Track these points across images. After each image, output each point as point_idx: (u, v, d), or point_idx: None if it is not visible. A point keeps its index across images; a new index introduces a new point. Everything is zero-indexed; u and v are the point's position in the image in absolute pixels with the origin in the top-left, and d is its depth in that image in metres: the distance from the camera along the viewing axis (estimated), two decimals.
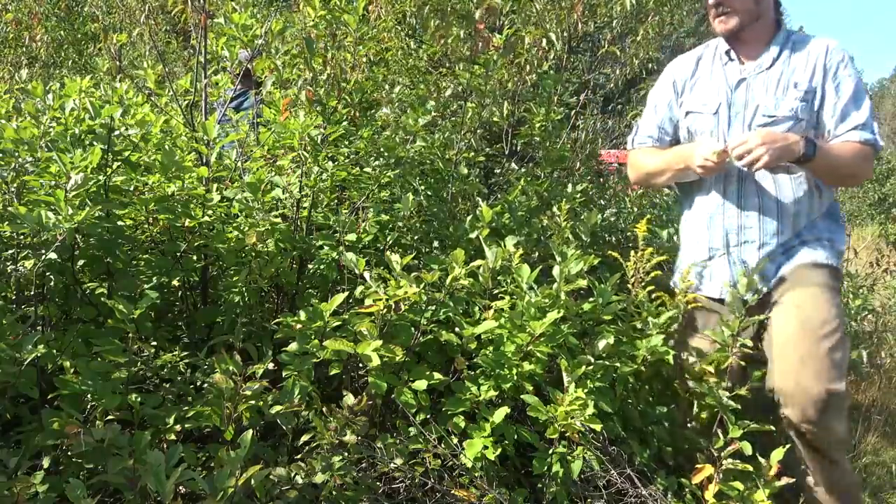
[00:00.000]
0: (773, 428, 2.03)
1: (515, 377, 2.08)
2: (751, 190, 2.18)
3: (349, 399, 1.89)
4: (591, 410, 1.96)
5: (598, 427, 1.94)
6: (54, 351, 1.91)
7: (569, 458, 2.01)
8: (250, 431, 1.68)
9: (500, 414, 2.01)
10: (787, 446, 2.02)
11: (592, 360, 2.15)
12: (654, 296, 2.35)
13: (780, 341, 2.04)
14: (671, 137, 2.37)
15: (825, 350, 1.95)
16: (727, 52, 2.25)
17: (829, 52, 2.12)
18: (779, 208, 2.16)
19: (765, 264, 2.17)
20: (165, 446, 1.79)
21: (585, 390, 2.02)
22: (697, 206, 2.32)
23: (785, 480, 1.95)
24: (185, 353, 2.03)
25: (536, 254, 2.88)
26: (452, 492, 1.90)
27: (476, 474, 1.94)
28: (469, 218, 2.67)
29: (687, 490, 2.08)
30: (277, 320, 2.10)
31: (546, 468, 2.02)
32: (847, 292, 3.82)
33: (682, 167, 2.21)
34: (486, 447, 1.95)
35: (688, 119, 2.30)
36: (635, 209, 3.76)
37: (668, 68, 2.40)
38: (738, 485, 1.94)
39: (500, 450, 1.98)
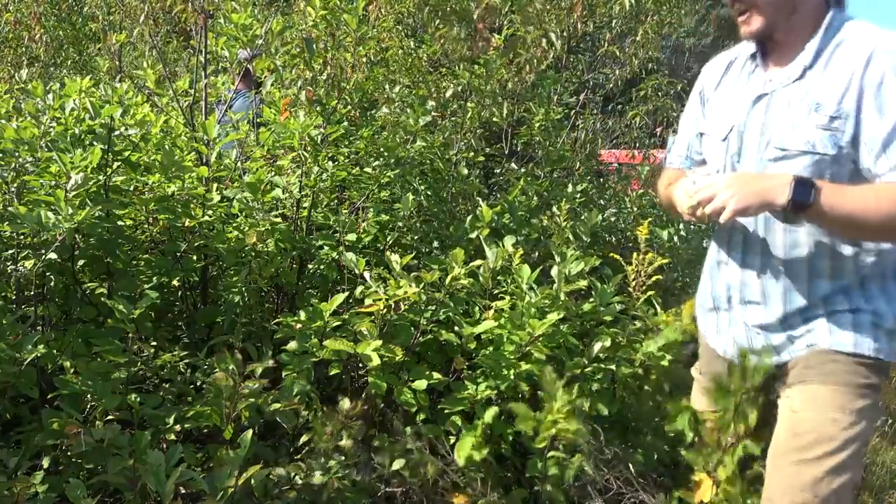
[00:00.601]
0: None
1: (513, 377, 2.08)
2: (754, 240, 1.61)
3: (345, 404, 1.89)
4: (575, 426, 1.92)
5: (581, 439, 1.93)
6: (54, 351, 1.91)
7: (563, 462, 2.01)
8: (250, 431, 1.68)
9: (490, 414, 2.01)
10: None
11: (587, 362, 2.15)
12: (658, 315, 2.31)
13: (770, 450, 1.60)
14: (703, 157, 1.80)
15: (809, 480, 1.46)
16: (753, 56, 1.65)
17: (874, 57, 1.41)
18: (787, 267, 1.56)
19: (774, 343, 1.63)
20: (165, 446, 1.79)
21: (573, 396, 1.99)
22: (712, 245, 1.82)
23: None
24: (185, 353, 2.03)
25: (537, 254, 2.89)
26: (450, 492, 1.90)
27: (472, 475, 1.94)
28: (469, 218, 2.67)
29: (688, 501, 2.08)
30: (277, 320, 2.11)
31: (542, 470, 2.02)
32: None
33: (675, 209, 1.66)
34: (474, 447, 1.95)
35: (703, 143, 1.76)
36: (635, 209, 3.76)
37: (703, 71, 1.84)
38: (739, 487, 1.94)
39: (488, 449, 1.97)
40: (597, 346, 2.15)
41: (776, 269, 1.57)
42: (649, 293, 2.35)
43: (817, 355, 1.53)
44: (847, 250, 1.52)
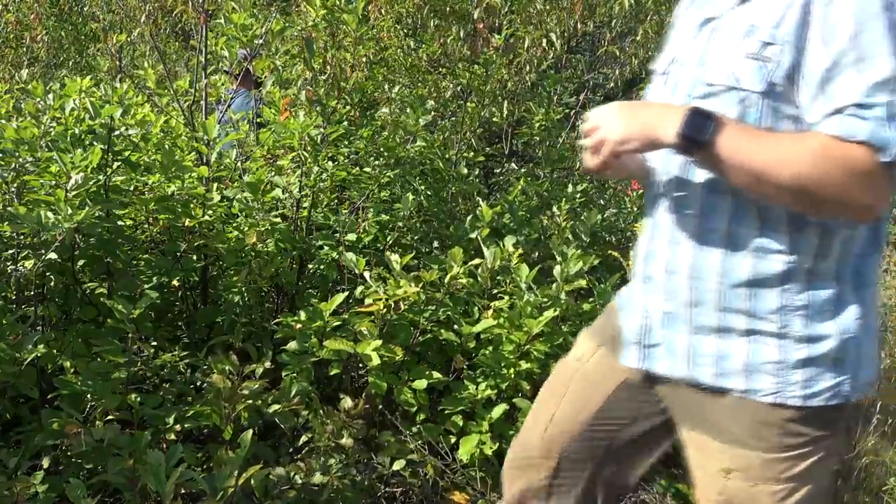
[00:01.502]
0: None
1: (514, 376, 2.08)
2: (667, 197, 1.18)
3: (346, 402, 1.89)
4: None
5: None
6: (54, 351, 1.91)
7: None
8: (249, 431, 1.68)
9: (499, 411, 2.01)
10: None
11: None
12: None
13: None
14: None
15: None
16: None
17: None
18: (699, 243, 1.13)
19: (674, 344, 1.18)
20: (165, 446, 1.79)
21: None
22: None
23: None
24: (185, 353, 2.03)
25: (536, 254, 2.89)
26: (451, 491, 1.90)
27: (472, 474, 1.94)
28: (469, 218, 2.67)
29: (688, 494, 2.08)
30: (277, 320, 2.11)
31: None
32: None
33: None
34: (483, 443, 1.95)
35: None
36: (635, 209, 3.76)
37: None
38: None
39: (496, 445, 1.98)
40: None
41: (685, 244, 1.14)
42: None
43: (737, 403, 1.11)
44: (788, 227, 1.06)
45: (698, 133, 1.01)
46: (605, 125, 1.09)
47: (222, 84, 2.81)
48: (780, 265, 1.06)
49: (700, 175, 1.11)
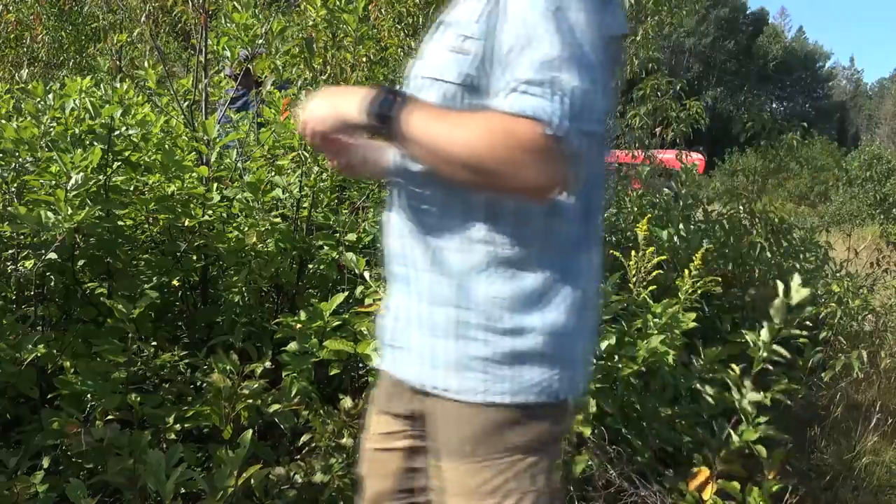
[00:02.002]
0: (784, 435, 2.00)
1: None
2: (395, 183, 1.18)
3: (346, 402, 1.89)
4: (580, 417, 1.94)
5: (587, 432, 1.94)
6: (54, 351, 1.91)
7: (567, 458, 2.01)
8: (249, 431, 1.68)
9: None
10: (789, 447, 2.01)
11: (595, 360, 2.15)
12: None
13: None
14: None
15: None
16: None
17: None
18: (412, 243, 1.12)
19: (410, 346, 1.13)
20: (165, 446, 1.79)
21: None
22: None
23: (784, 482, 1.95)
24: (185, 353, 2.03)
25: None
26: None
27: None
28: None
29: (686, 492, 2.08)
30: (277, 320, 2.11)
31: None
32: (847, 292, 3.83)
33: None
34: None
35: None
36: (635, 209, 3.76)
37: None
38: (736, 485, 1.94)
39: None
40: (602, 345, 2.16)
41: (407, 237, 1.13)
42: (651, 288, 2.35)
43: (444, 406, 1.06)
44: (486, 215, 1.04)
45: (382, 109, 1.00)
46: (309, 109, 1.11)
47: (223, 84, 2.80)
48: (482, 255, 1.03)
49: (415, 166, 1.10)
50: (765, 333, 2.03)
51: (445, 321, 1.05)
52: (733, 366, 2.12)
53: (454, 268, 1.05)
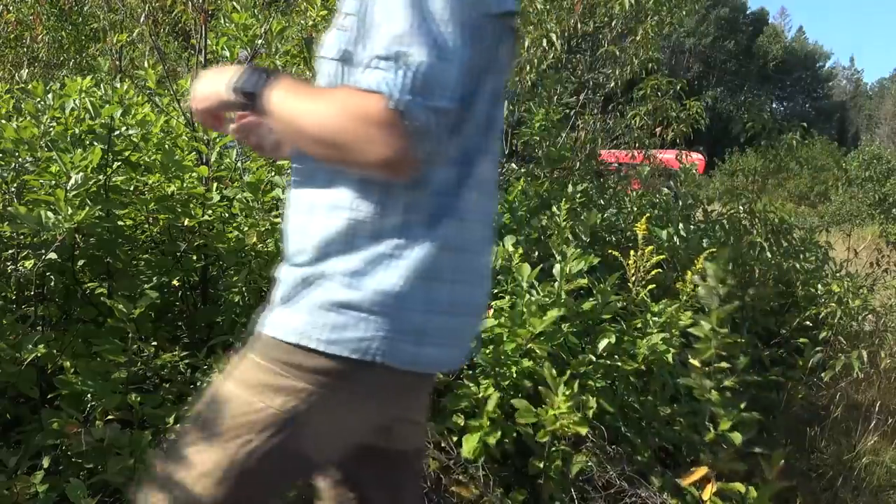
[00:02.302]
0: (761, 418, 1.99)
1: (515, 374, 2.09)
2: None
3: None
4: (579, 416, 1.94)
5: (583, 431, 1.94)
6: (54, 351, 1.91)
7: (566, 456, 2.02)
8: None
9: (493, 402, 2.01)
10: (789, 447, 2.01)
11: (594, 358, 2.15)
12: None
13: None
14: None
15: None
16: None
17: None
18: (293, 215, 1.15)
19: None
20: (165, 446, 1.79)
21: (575, 392, 2.01)
22: None
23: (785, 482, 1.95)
24: (185, 353, 2.03)
25: (536, 253, 2.89)
26: (452, 488, 1.90)
27: (474, 473, 1.94)
28: None
29: (686, 492, 2.09)
30: None
31: (543, 468, 2.02)
32: (847, 292, 3.83)
33: None
34: (487, 434, 1.95)
35: None
36: (635, 209, 3.76)
37: None
38: (739, 486, 1.94)
39: (498, 436, 1.97)
40: (602, 344, 2.16)
41: (292, 210, 1.15)
42: (650, 287, 2.35)
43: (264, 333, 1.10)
44: (353, 185, 1.04)
45: (246, 86, 1.04)
46: (194, 88, 1.15)
47: None
48: (344, 221, 1.04)
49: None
50: (705, 323, 1.97)
51: (298, 281, 1.06)
52: (692, 360, 2.10)
53: (317, 235, 1.06)
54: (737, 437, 1.94)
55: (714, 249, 3.14)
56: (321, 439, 1.08)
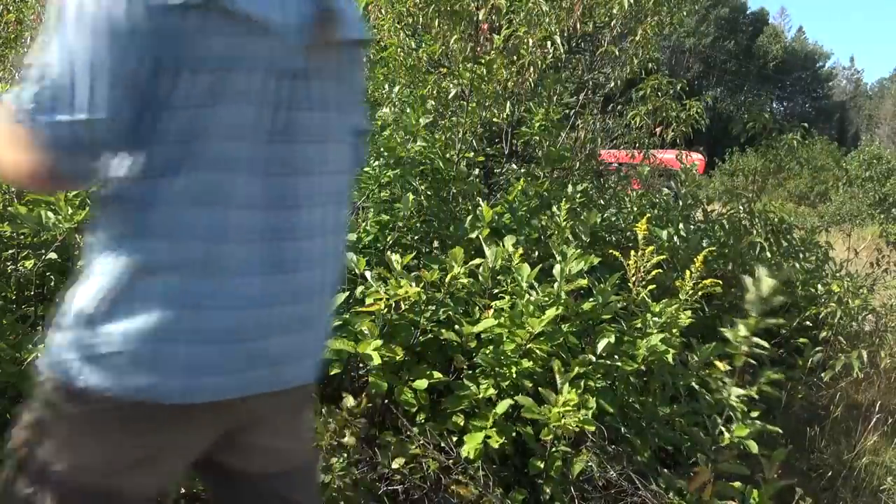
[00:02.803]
0: (779, 430, 2.00)
1: (515, 374, 2.09)
2: None
3: (349, 401, 1.89)
4: (583, 413, 1.95)
5: (591, 428, 1.94)
6: None
7: (568, 456, 2.02)
8: None
9: (503, 406, 2.02)
10: (789, 447, 2.01)
11: (594, 358, 2.15)
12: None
13: None
14: None
15: None
16: None
17: None
18: None
19: None
20: None
21: (579, 391, 2.02)
22: None
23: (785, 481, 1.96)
24: None
25: (536, 253, 2.89)
26: (452, 488, 1.90)
27: (473, 473, 1.94)
28: (469, 218, 2.67)
29: (686, 492, 2.09)
30: None
31: (543, 468, 2.02)
32: (847, 292, 3.83)
33: None
34: (488, 437, 1.95)
35: None
36: (635, 209, 3.76)
37: None
38: (738, 485, 1.95)
39: (502, 440, 1.98)
40: (601, 344, 2.16)
41: None
42: (650, 287, 2.35)
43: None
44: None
45: None
46: None
47: None
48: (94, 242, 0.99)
49: None
50: (742, 328, 2.00)
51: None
52: (717, 363, 2.11)
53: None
54: (752, 446, 1.94)
55: (712, 249, 3.14)
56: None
